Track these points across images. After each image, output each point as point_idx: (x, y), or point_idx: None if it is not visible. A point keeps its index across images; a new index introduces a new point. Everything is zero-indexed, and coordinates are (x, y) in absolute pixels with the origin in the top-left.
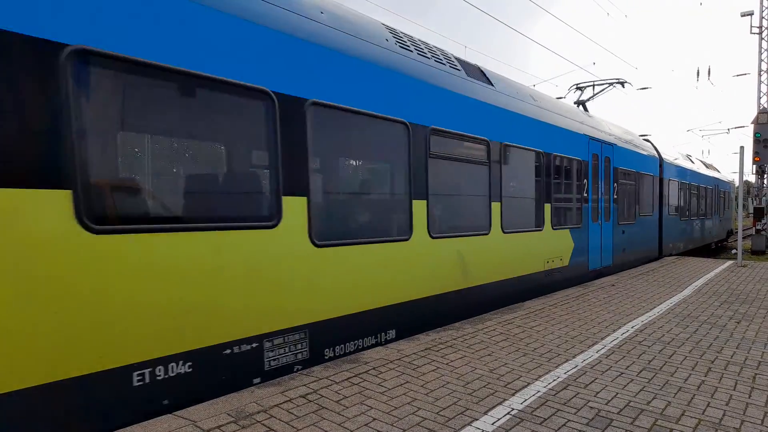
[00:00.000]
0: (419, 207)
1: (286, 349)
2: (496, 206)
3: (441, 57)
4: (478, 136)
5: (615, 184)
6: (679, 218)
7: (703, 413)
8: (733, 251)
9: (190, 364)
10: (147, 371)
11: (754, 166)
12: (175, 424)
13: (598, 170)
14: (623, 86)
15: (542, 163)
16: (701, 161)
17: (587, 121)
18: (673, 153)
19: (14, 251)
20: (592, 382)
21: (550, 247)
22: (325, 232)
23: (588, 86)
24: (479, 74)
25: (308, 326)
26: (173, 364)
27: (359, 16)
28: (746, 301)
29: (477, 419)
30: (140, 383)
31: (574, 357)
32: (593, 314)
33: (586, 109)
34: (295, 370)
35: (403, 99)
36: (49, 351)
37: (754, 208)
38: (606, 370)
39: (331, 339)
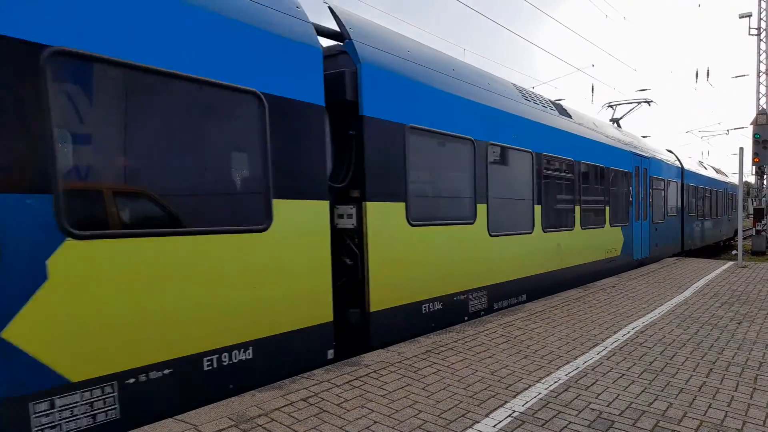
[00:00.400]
0: (537, 210)
1: (477, 301)
2: (577, 209)
3: (543, 101)
4: (568, 158)
5: (650, 190)
6: (697, 218)
7: (704, 414)
8: (734, 252)
9: (442, 303)
10: (426, 305)
11: (754, 167)
12: (176, 428)
13: (638, 179)
14: (649, 105)
15: (604, 175)
16: (713, 167)
17: (627, 139)
18: (691, 161)
19: (392, 231)
20: (594, 383)
21: (609, 240)
22: (493, 227)
23: (619, 105)
24: (563, 110)
25: (487, 287)
26: (435, 303)
27: (504, 81)
28: (747, 302)
29: (478, 422)
30: (425, 312)
31: (575, 359)
32: (594, 316)
33: (619, 126)
34: (481, 314)
35: (529, 135)
36: (403, 287)
37: (754, 209)
38: (607, 372)
39: (497, 297)
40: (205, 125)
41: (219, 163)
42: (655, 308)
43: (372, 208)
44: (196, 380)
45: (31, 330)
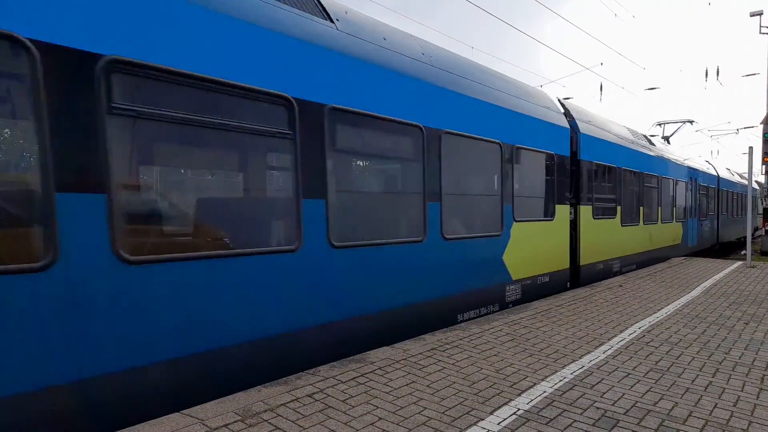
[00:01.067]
0: (641, 210)
1: (616, 266)
2: (659, 209)
3: (639, 135)
4: (655, 174)
5: (698, 194)
6: (727, 216)
7: (710, 414)
8: (743, 252)
9: (603, 265)
10: (598, 265)
11: (764, 166)
12: (182, 422)
13: (692, 186)
14: (691, 123)
15: (673, 185)
16: (737, 173)
17: (683, 156)
18: (723, 170)
19: (587, 222)
20: (599, 382)
21: (674, 231)
22: (623, 220)
23: (667, 124)
24: (649, 141)
25: (620, 258)
26: (600, 264)
27: (620, 126)
28: (755, 302)
29: (483, 419)
30: (597, 269)
31: (580, 357)
32: (600, 315)
33: (669, 142)
34: (617, 274)
35: (639, 160)
36: (590, 253)
37: (764, 209)
38: (613, 371)
39: (624, 265)
40: (540, 172)
41: (545, 188)
42: (662, 308)
43: (581, 209)
44: (535, 288)
45: (507, 257)
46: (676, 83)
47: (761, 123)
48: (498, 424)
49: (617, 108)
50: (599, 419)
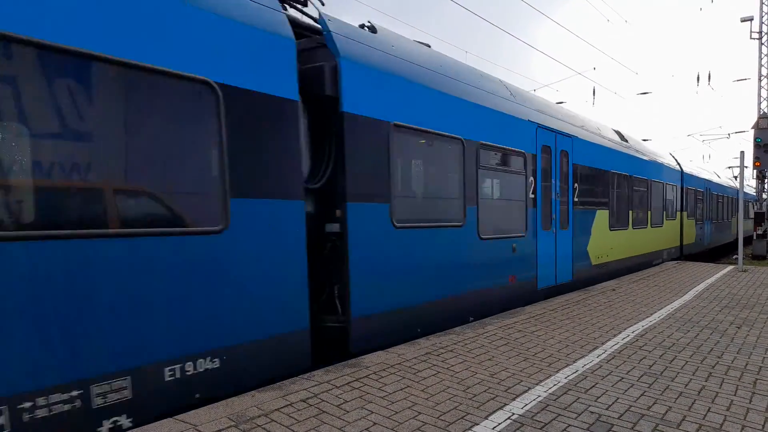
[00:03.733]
0: (739, 219)
1: (664, 255)
2: (735, 220)
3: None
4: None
5: (746, 206)
6: (744, 219)
7: (703, 418)
8: (734, 256)
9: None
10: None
11: (755, 171)
12: (176, 428)
13: (744, 205)
14: (746, 168)
15: (736, 203)
16: (747, 185)
17: (733, 182)
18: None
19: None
20: (593, 386)
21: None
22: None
23: (733, 168)
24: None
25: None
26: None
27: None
28: (747, 306)
29: (477, 424)
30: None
31: (574, 362)
32: (594, 319)
33: (736, 178)
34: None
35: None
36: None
37: (755, 213)
38: (607, 375)
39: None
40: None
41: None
42: (656, 312)
43: (737, 217)
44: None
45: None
46: (669, 88)
47: (752, 128)
48: (492, 428)
49: (609, 113)
50: (593, 423)
